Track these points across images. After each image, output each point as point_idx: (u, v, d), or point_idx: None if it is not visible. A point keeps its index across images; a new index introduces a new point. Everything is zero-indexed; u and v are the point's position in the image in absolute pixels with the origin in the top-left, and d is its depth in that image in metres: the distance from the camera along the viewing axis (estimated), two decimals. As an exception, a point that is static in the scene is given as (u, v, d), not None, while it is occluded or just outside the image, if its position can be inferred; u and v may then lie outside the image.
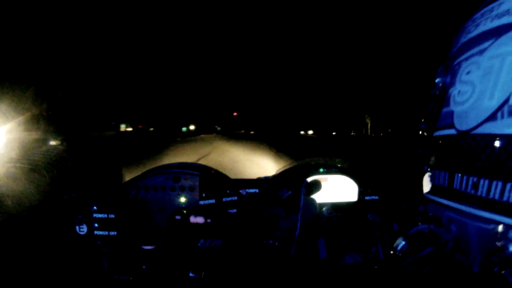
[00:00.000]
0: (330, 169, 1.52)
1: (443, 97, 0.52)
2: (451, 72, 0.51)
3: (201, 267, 1.16)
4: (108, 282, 1.26)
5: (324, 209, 1.40)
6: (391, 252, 0.55)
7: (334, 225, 1.28)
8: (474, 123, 0.43)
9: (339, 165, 1.58)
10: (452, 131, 0.48)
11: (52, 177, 1.25)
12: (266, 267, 1.09)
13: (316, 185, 1.17)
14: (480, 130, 0.43)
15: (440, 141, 0.52)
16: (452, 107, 0.49)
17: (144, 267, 1.26)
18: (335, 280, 1.02)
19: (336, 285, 1.00)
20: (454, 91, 0.49)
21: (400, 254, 0.56)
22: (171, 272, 1.21)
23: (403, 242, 0.52)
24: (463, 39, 0.49)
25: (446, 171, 0.49)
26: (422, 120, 0.70)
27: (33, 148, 1.35)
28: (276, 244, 1.15)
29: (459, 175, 0.46)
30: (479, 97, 0.43)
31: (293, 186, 1.14)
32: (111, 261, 1.28)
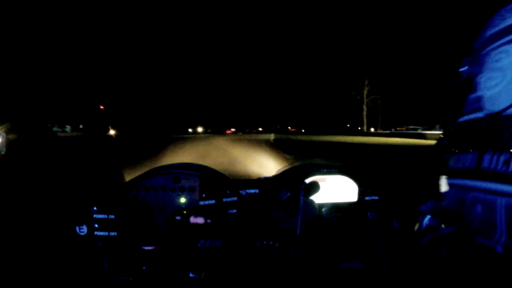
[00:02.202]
0: (330, 169, 1.52)
1: (469, 85, 0.55)
2: (477, 62, 0.54)
3: (201, 268, 1.16)
4: (108, 283, 1.26)
5: (323, 209, 1.41)
6: (415, 228, 0.55)
7: (334, 225, 1.28)
8: (506, 104, 0.47)
9: (339, 165, 1.58)
10: (480, 114, 0.51)
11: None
12: (266, 268, 1.09)
13: (314, 186, 1.18)
14: (511, 110, 0.47)
15: (468, 125, 0.54)
16: (481, 92, 0.52)
17: (144, 267, 1.26)
18: (337, 282, 1.02)
19: (337, 286, 1.00)
20: (482, 78, 0.52)
21: (423, 230, 0.57)
22: (171, 273, 1.21)
23: (429, 217, 0.54)
24: (490, 32, 0.53)
25: (474, 152, 0.51)
26: (441, 111, 0.72)
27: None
28: (276, 245, 1.15)
29: (489, 154, 0.48)
30: (509, 81, 0.48)
31: (291, 188, 1.14)
32: (111, 261, 1.28)
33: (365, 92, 43.60)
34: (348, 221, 1.27)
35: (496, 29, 0.51)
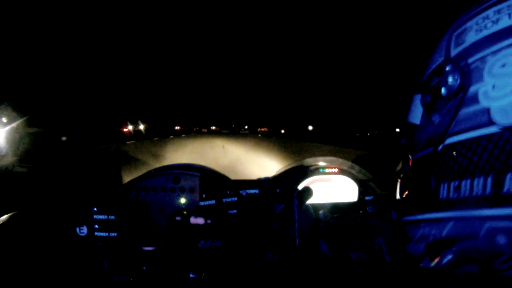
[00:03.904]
0: (330, 169, 1.52)
1: (461, 98, 0.48)
2: (468, 70, 0.48)
3: (201, 268, 1.16)
4: (108, 283, 1.26)
5: (320, 212, 1.40)
6: (434, 263, 0.49)
7: (332, 226, 1.28)
8: None
9: (338, 165, 1.58)
10: (493, 129, 0.43)
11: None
12: (266, 268, 1.09)
13: (307, 193, 1.16)
14: None
15: (471, 145, 0.46)
16: (485, 104, 0.45)
17: (144, 268, 1.26)
18: (339, 278, 1.02)
19: (340, 283, 1.00)
20: (483, 88, 0.45)
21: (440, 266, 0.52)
22: (171, 273, 1.21)
23: (451, 256, 0.47)
24: (478, 36, 0.47)
25: (487, 176, 0.43)
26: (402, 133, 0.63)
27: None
28: (276, 257, 1.15)
29: None
30: None
31: (284, 198, 1.13)
32: (111, 262, 1.28)
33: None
34: (346, 220, 1.27)
35: (488, 32, 0.46)
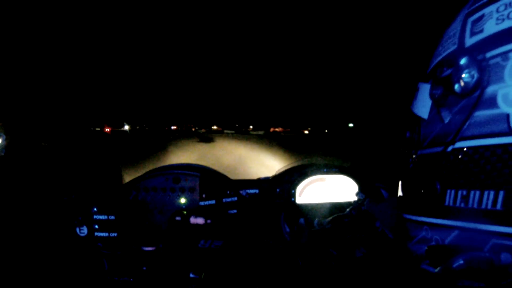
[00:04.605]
0: (330, 169, 1.52)
1: (477, 98, 0.43)
2: (486, 66, 0.42)
3: (201, 268, 1.16)
4: (108, 284, 1.26)
5: (314, 222, 1.39)
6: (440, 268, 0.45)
7: (330, 231, 1.27)
8: None
9: (339, 165, 1.58)
10: (510, 139, 0.39)
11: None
12: (266, 267, 1.09)
13: (296, 212, 1.15)
14: None
15: (484, 154, 0.41)
16: (505, 108, 0.39)
17: (144, 268, 1.26)
18: (342, 277, 1.01)
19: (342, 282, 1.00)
20: (503, 89, 0.40)
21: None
22: (171, 273, 1.21)
23: (461, 262, 0.44)
24: (499, 26, 0.41)
25: (498, 190, 0.39)
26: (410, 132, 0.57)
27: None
28: (273, 243, 1.15)
29: None
30: None
31: (271, 222, 1.12)
32: (111, 262, 1.28)
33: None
34: (342, 218, 1.26)
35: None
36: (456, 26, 0.49)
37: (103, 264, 1.27)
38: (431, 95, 0.50)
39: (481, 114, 0.42)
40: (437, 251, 0.48)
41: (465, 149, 0.43)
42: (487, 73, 0.41)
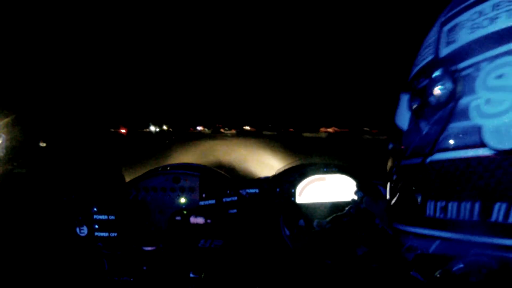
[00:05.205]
0: (330, 169, 1.52)
1: (450, 109, 0.43)
2: (458, 78, 0.42)
3: (201, 268, 1.17)
4: (109, 284, 1.26)
5: (314, 223, 1.39)
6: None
7: (330, 231, 1.27)
8: None
9: (338, 164, 1.58)
10: (482, 151, 0.39)
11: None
12: (266, 266, 1.09)
13: (296, 212, 1.16)
14: None
15: (458, 166, 0.41)
16: (477, 120, 0.39)
17: (145, 268, 1.26)
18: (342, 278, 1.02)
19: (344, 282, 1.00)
20: (475, 101, 0.39)
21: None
22: (171, 273, 1.21)
23: (461, 265, 0.41)
24: (472, 35, 0.40)
25: (475, 202, 0.40)
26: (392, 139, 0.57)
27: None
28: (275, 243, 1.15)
29: (505, 205, 0.37)
30: None
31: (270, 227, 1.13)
32: (111, 262, 1.28)
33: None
34: (341, 218, 1.27)
35: (484, 32, 0.40)
36: (433, 35, 0.48)
37: (103, 264, 1.28)
38: (410, 106, 0.49)
39: (455, 126, 0.41)
40: (423, 259, 0.48)
41: (440, 161, 0.43)
42: (460, 84, 0.41)
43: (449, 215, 0.43)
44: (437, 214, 0.44)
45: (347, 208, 1.21)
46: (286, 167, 1.59)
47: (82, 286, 1.23)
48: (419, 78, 0.49)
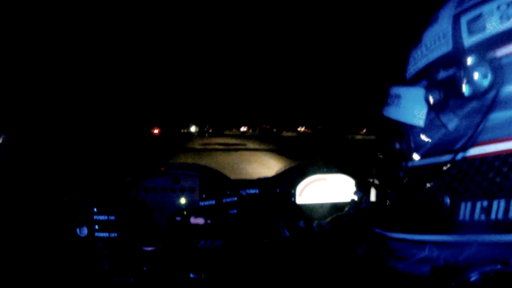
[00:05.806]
0: (330, 169, 1.52)
1: (492, 99, 0.41)
2: (498, 66, 0.39)
3: (201, 268, 1.16)
4: (109, 284, 1.26)
5: (314, 225, 1.39)
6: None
7: (330, 232, 1.27)
8: None
9: (339, 164, 1.58)
10: None
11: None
12: (266, 267, 1.09)
13: (296, 212, 1.16)
14: None
15: (509, 157, 0.39)
16: None
17: (145, 268, 1.26)
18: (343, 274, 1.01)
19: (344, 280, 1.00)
20: None
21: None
22: (172, 273, 1.21)
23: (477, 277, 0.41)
24: (505, 25, 0.38)
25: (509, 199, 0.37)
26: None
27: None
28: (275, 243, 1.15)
29: None
30: None
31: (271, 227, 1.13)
32: (112, 263, 1.28)
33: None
34: (341, 218, 1.26)
35: None
36: (443, 27, 0.46)
37: (104, 265, 1.28)
38: (427, 100, 0.46)
39: (498, 116, 0.39)
40: (445, 270, 0.45)
41: (481, 156, 0.40)
42: (500, 72, 0.39)
43: (493, 216, 0.40)
44: (476, 217, 0.41)
45: (346, 208, 1.21)
46: (286, 167, 1.59)
47: (82, 286, 1.23)
48: (437, 70, 0.46)
